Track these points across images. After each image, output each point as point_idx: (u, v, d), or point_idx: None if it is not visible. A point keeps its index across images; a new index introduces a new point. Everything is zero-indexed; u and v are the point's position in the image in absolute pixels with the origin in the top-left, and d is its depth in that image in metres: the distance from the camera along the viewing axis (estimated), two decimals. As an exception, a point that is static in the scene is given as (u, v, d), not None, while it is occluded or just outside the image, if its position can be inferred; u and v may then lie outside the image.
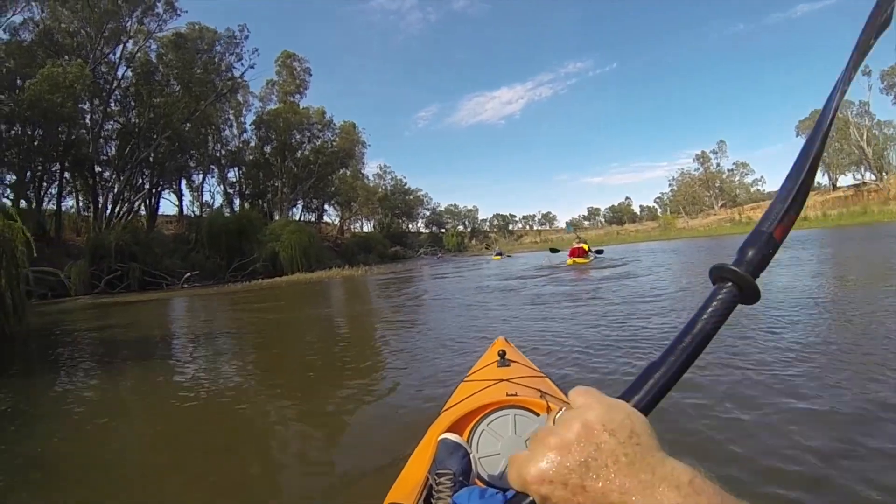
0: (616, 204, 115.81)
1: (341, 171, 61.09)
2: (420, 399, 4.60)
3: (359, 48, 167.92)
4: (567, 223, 44.31)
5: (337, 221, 71.54)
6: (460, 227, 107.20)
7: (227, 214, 41.17)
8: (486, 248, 64.12)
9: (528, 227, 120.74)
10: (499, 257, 44.75)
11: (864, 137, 58.56)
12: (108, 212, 35.79)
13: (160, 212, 46.13)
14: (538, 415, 1.71)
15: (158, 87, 37.20)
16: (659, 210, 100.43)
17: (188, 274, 29.58)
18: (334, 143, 53.48)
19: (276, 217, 46.42)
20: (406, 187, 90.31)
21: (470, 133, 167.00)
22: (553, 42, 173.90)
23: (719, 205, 78.41)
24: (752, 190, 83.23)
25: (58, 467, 3.69)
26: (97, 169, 36.10)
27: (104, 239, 28.46)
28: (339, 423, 4.37)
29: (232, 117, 49.89)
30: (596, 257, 25.28)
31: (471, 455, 2.00)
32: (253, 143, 50.55)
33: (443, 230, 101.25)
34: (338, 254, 53.21)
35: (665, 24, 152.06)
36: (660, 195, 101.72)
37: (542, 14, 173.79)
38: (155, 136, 36.68)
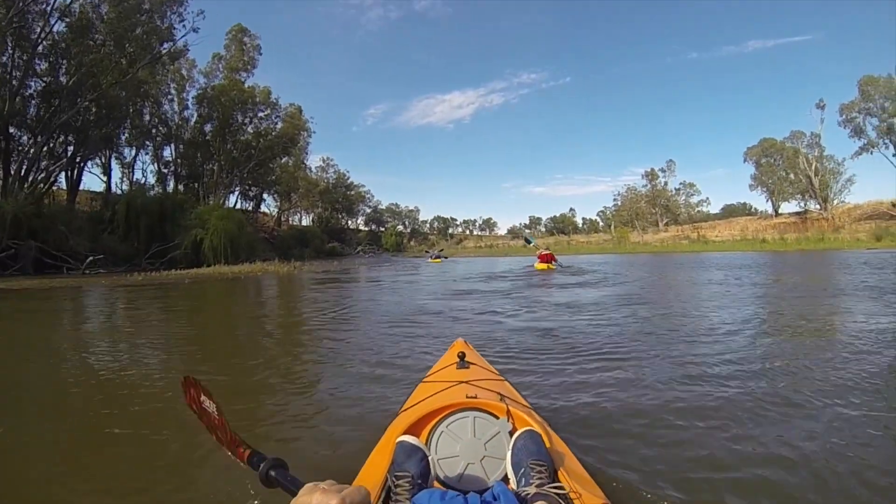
0: (558, 214, 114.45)
1: (283, 160, 56.68)
2: (377, 399, 4.34)
3: (315, 38, 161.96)
4: (525, 236, 41.99)
5: (275, 212, 67.32)
6: (400, 227, 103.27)
7: (151, 194, 36.50)
8: (426, 251, 60.87)
9: (468, 232, 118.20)
10: (438, 260, 42.84)
11: (813, 168, 59.00)
12: (22, 181, 30.44)
13: (86, 188, 41.81)
14: (497, 417, 2.14)
15: (89, 43, 32.11)
16: (601, 223, 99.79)
17: (90, 258, 24.96)
18: (277, 127, 49.37)
19: (211, 202, 42.03)
20: (349, 182, 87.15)
21: (418, 134, 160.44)
22: (510, 51, 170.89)
23: (664, 222, 77.96)
24: (696, 210, 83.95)
25: None
26: (11, 131, 30.96)
27: (-4, 208, 23.38)
28: (290, 424, 3.86)
29: (174, 92, 45.11)
30: (560, 266, 24.99)
31: (429, 457, 1.93)
32: (193, 121, 45.93)
33: (382, 229, 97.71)
34: (273, 246, 49.72)
35: (621, 45, 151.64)
36: (603, 209, 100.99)
37: (503, 22, 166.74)
38: (79, 99, 31.63)
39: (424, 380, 3.09)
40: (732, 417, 3.59)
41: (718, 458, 2.95)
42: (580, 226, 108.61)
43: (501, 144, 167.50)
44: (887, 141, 52.49)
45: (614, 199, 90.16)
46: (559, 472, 1.89)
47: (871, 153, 54.10)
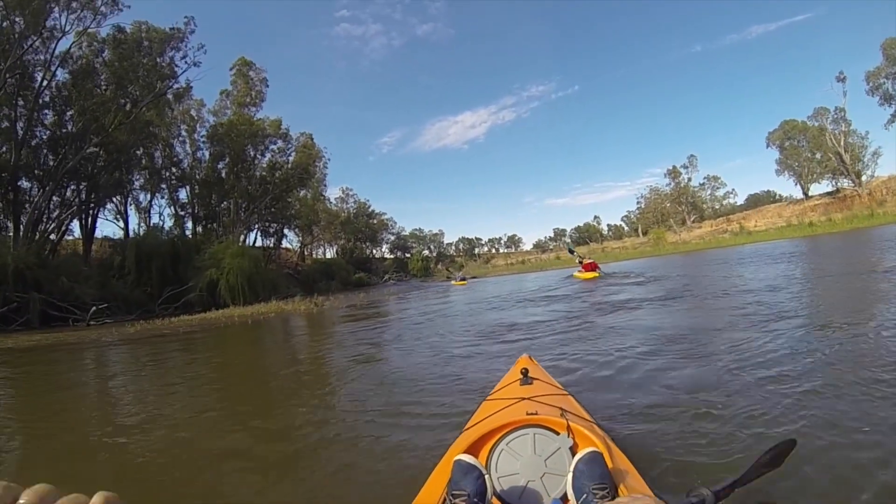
0: (581, 224, 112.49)
1: (301, 193, 55.18)
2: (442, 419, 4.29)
3: (321, 72, 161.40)
4: (569, 247, 40.08)
5: (297, 247, 65.59)
6: (426, 252, 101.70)
7: (164, 237, 34.61)
8: (449, 276, 57.70)
9: (494, 250, 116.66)
10: (463, 282, 42.22)
11: (842, 144, 55.67)
12: (33, 231, 28.88)
13: (105, 235, 40.26)
14: (558, 434, 2.12)
15: (91, 87, 30.74)
16: (626, 228, 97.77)
17: (94, 308, 22.54)
18: (291, 158, 47.51)
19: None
20: (370, 210, 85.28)
21: (434, 157, 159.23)
22: (515, 66, 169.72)
23: (691, 220, 75.10)
24: (723, 203, 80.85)
25: None
26: (20, 183, 29.54)
27: (-2, 260, 22.49)
28: (358, 449, 3.90)
29: (185, 133, 43.64)
30: (604, 274, 24.27)
31: (485, 476, 1.93)
32: (205, 161, 44.30)
33: (408, 255, 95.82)
34: (298, 281, 47.91)
35: (624, 47, 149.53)
36: (626, 213, 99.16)
37: (505, 38, 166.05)
38: (84, 144, 29.96)
39: (488, 398, 3.12)
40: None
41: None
42: (605, 233, 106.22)
43: (517, 159, 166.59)
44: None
45: (637, 202, 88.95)
46: (620, 489, 1.82)
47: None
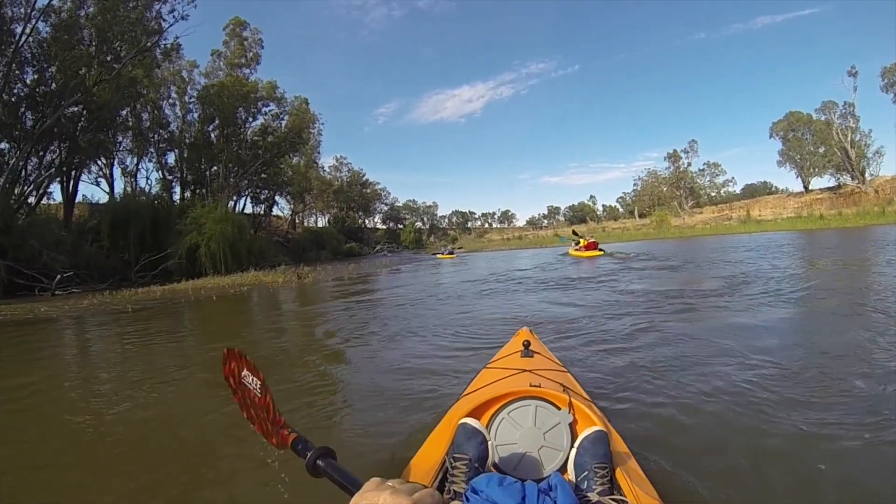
0: (576, 203, 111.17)
1: (294, 160, 53.30)
2: (439, 383, 4.55)
3: (320, 41, 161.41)
4: (576, 235, 38.51)
5: (288, 215, 63.74)
6: (419, 224, 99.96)
7: (143, 199, 32.30)
8: (443, 248, 55.69)
9: (487, 225, 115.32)
10: (451, 255, 43.11)
11: (849, 139, 54.21)
12: (8, 194, 26.31)
13: (92, 200, 38.38)
14: (559, 409, 2.09)
15: (73, 41, 28.28)
16: (620, 209, 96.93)
17: (59, 276, 20.32)
18: (284, 122, 45.07)
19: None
20: (364, 179, 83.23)
21: (430, 130, 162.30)
22: (517, 42, 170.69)
23: (689, 205, 73.47)
24: (722, 191, 79.68)
25: None
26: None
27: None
28: (354, 403, 4.33)
29: (175, 95, 41.22)
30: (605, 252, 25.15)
31: (489, 442, 1.94)
32: (195, 124, 41.88)
33: (400, 226, 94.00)
34: (287, 249, 46.60)
35: (628, 29, 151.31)
36: (622, 194, 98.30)
37: (507, 14, 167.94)
38: (63, 102, 27.62)
39: (488, 366, 3.10)
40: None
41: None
42: (600, 213, 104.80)
43: (514, 136, 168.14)
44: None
45: (634, 184, 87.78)
46: (618, 472, 1.82)
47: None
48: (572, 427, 2.06)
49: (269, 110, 43.55)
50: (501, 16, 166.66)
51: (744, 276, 11.35)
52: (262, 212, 54.40)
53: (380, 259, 47.64)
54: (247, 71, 42.29)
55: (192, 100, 41.41)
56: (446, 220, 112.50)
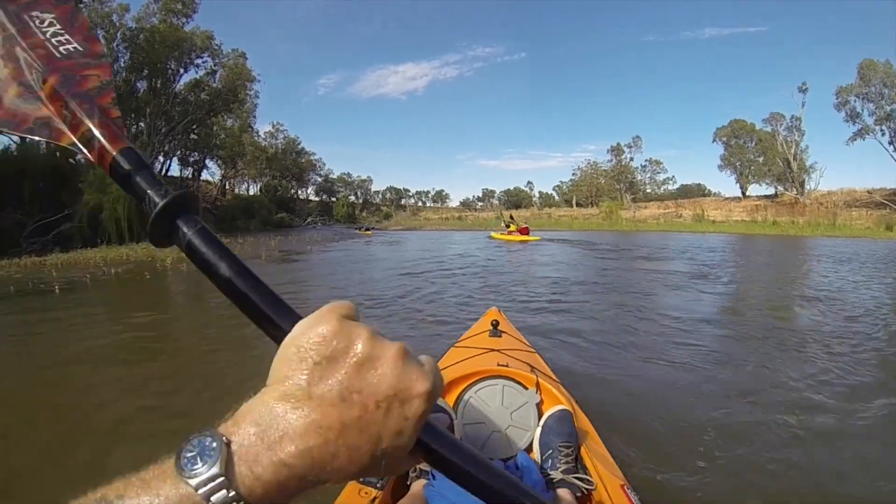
0: (512, 188, 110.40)
1: (229, 123, 49.02)
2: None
3: (262, 3, 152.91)
4: (506, 221, 36.33)
5: (218, 180, 58.98)
6: (352, 198, 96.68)
7: (43, 150, 27.20)
8: (359, 227, 54.45)
9: (420, 203, 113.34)
10: (369, 232, 44.40)
11: (792, 152, 54.23)
12: None
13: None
14: (527, 388, 2.07)
15: None
16: (556, 197, 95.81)
17: None
18: (218, 77, 40.42)
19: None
20: (300, 148, 78.41)
21: (371, 105, 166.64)
22: (465, 24, 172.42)
23: (628, 199, 72.82)
24: (662, 188, 80.00)
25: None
26: None
27: None
28: None
29: (102, 41, 35.31)
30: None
31: (455, 420, 1.88)
32: (122, 73, 36.31)
33: (334, 199, 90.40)
34: (216, 217, 42.67)
35: (577, 24, 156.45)
36: (559, 183, 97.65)
37: None
38: None
39: (456, 345, 3.06)
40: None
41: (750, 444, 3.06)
42: (535, 200, 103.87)
43: (454, 117, 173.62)
44: (884, 128, 47.97)
45: (573, 173, 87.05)
46: (582, 450, 1.85)
47: (865, 139, 49.55)
48: (539, 407, 2.04)
49: (203, 63, 38.95)
50: None
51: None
52: (189, 175, 50.20)
53: (310, 232, 44.43)
54: (183, 20, 37.43)
55: (120, 46, 36.28)
56: (380, 195, 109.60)
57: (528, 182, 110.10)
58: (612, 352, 5.14)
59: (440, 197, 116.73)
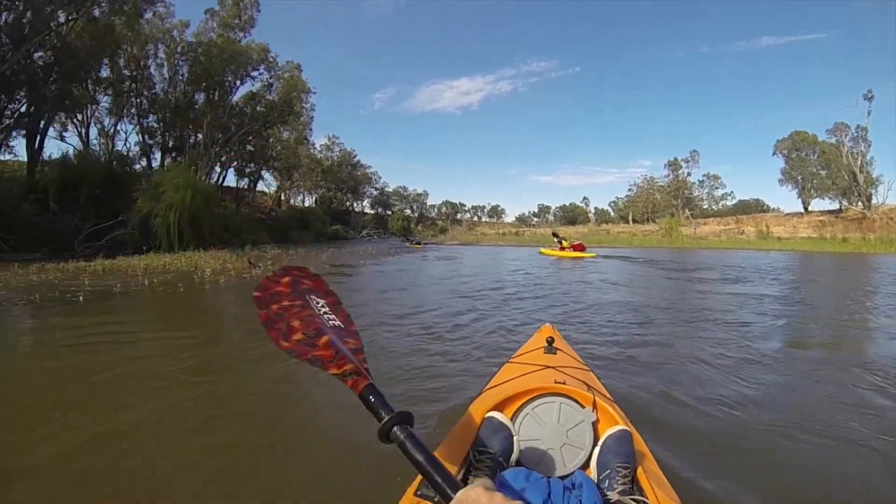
0: (568, 203, 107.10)
1: (285, 136, 49.74)
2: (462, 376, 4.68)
3: (318, 19, 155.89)
4: (559, 238, 35.42)
5: (274, 191, 59.77)
6: (407, 211, 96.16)
7: (99, 157, 27.79)
8: (407, 239, 55.05)
9: (476, 218, 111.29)
10: (419, 245, 44.57)
11: (858, 164, 51.14)
12: None
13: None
14: (583, 407, 2.06)
15: None
16: (612, 213, 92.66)
17: None
18: (274, 90, 40.86)
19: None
20: (355, 160, 78.28)
21: (425, 119, 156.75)
22: (520, 39, 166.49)
23: (684, 215, 69.25)
24: (720, 204, 76.10)
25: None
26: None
27: None
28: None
29: (163, 55, 36.86)
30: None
31: (514, 437, 1.91)
32: (181, 85, 37.56)
33: (389, 212, 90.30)
34: (270, 228, 42.93)
35: (630, 37, 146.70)
36: (615, 199, 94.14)
37: (513, 9, 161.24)
38: (27, 47, 23.67)
39: (511, 360, 3.08)
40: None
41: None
42: (591, 216, 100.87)
43: (509, 132, 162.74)
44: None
45: (629, 189, 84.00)
46: (639, 472, 1.80)
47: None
48: (595, 426, 2.02)
49: (260, 76, 39.49)
50: (506, 10, 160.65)
51: None
52: (245, 186, 51.00)
53: (364, 245, 44.00)
54: (240, 34, 38.09)
55: (179, 60, 37.26)
56: (436, 209, 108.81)
57: (584, 198, 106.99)
58: (680, 379, 4.82)
59: (496, 212, 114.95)
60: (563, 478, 1.75)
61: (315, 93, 48.68)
